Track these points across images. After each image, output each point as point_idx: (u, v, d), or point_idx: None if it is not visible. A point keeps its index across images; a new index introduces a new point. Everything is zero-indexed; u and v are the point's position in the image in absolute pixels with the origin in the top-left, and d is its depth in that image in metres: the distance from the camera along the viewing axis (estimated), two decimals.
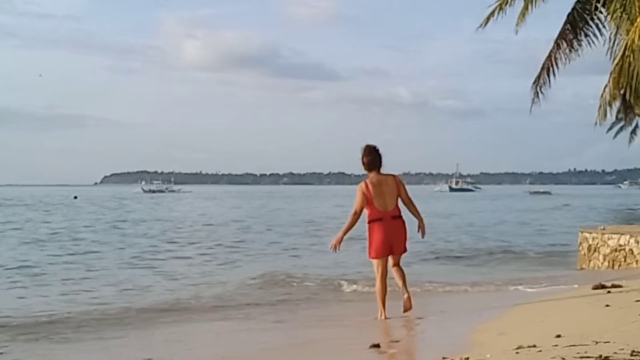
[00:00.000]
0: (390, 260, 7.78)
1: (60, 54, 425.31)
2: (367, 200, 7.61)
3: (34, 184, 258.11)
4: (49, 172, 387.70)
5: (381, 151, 7.85)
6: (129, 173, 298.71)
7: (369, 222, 7.68)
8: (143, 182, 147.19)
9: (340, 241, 7.66)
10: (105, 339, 8.64)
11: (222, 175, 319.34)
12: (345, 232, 7.69)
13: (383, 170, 7.86)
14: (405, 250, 7.85)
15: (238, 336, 8.61)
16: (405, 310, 7.77)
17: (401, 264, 7.91)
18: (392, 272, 7.82)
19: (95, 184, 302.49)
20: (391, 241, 7.66)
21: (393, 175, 7.82)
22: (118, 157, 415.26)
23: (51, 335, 9.02)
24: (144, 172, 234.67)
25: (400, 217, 7.74)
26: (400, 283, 7.76)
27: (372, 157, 7.79)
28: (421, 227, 7.84)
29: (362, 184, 7.70)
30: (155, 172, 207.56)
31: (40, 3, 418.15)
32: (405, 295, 7.74)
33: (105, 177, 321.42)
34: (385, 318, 7.82)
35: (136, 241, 26.31)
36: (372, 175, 7.75)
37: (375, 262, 7.77)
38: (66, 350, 8.19)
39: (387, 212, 7.63)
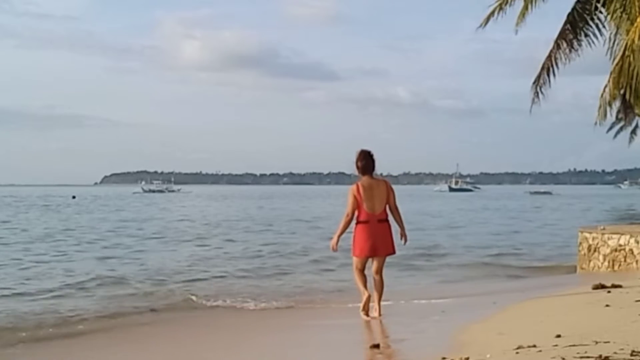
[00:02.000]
0: (374, 265, 8.04)
1: (59, 54, 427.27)
2: (357, 203, 7.90)
3: (34, 184, 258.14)
4: (49, 172, 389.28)
5: (375, 156, 8.11)
6: (129, 173, 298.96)
7: (357, 223, 7.98)
8: (143, 182, 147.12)
9: (337, 243, 8.04)
10: None
11: (222, 175, 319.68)
12: (340, 234, 8.02)
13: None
14: (392, 252, 8.09)
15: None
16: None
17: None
18: (374, 280, 8.07)
19: (96, 184, 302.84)
20: (375, 243, 7.93)
21: (385, 181, 8.12)
22: (118, 157, 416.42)
23: None
24: (144, 172, 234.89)
25: (387, 220, 8.01)
26: (376, 296, 8.05)
27: (366, 161, 8.07)
28: (403, 235, 8.15)
29: (354, 187, 7.98)
30: (155, 172, 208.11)
31: (39, 3, 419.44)
32: (376, 311, 8.03)
33: (106, 177, 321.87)
34: (369, 296, 7.97)
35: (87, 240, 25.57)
36: (365, 178, 8.02)
37: (355, 259, 8.06)
38: None
39: (375, 215, 7.92)
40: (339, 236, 8.00)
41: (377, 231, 7.91)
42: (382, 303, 8.11)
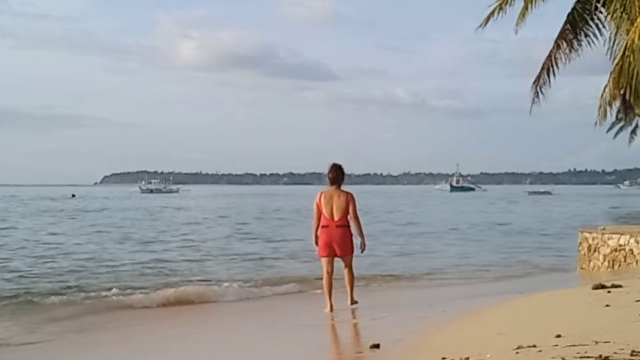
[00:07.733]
0: (343, 263, 9.13)
1: (57, 54, 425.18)
2: (318, 209, 8.98)
3: (35, 184, 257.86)
4: (49, 172, 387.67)
5: (345, 170, 9.17)
6: (129, 173, 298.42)
7: (320, 227, 9.03)
8: (143, 182, 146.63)
9: (316, 241, 9.12)
10: None
11: (222, 175, 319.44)
12: (315, 232, 9.09)
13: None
14: (351, 253, 9.11)
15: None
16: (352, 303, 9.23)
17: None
18: (344, 273, 9.19)
19: (95, 183, 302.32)
20: (332, 245, 8.99)
21: (347, 194, 9.06)
22: (118, 157, 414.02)
23: None
24: (144, 172, 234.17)
25: (346, 226, 9.03)
26: (348, 287, 9.21)
27: (335, 174, 9.13)
28: (362, 244, 9.18)
29: (318, 195, 9.10)
30: (155, 172, 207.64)
31: (37, 3, 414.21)
32: (350, 300, 9.19)
33: (106, 177, 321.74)
34: (331, 310, 8.99)
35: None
36: (331, 188, 9.08)
37: (322, 260, 9.14)
38: None
39: (333, 221, 8.96)
40: (315, 234, 9.08)
41: (335, 234, 8.96)
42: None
